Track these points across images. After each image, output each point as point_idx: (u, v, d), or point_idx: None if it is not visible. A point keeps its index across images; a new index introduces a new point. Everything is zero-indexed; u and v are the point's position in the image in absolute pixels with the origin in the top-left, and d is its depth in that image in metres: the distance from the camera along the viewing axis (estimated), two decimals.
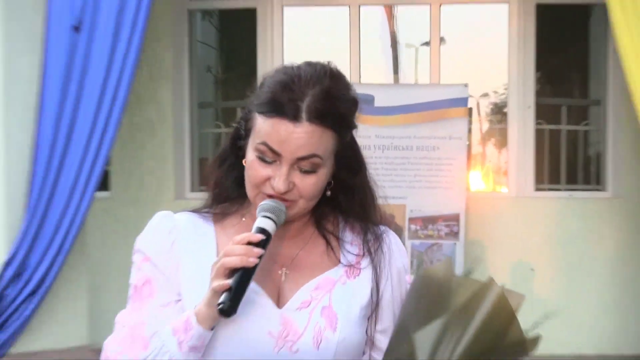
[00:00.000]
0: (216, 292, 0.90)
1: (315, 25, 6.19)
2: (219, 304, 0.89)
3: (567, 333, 4.70)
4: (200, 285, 0.96)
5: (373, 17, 5.87)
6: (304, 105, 0.94)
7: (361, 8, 5.42)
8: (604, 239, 5.02)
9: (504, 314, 0.96)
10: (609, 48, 4.63)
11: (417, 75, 6.06)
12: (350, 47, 5.38)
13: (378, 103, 4.82)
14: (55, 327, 4.23)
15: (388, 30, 6.15)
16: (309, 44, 6.17)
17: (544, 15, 5.15)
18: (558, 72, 6.22)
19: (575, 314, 4.88)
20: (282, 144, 0.94)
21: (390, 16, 6.12)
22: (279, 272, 1.05)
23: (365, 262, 1.06)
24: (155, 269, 1.02)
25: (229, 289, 0.89)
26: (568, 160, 5.67)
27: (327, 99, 0.96)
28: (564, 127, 5.47)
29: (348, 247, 1.08)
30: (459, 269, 4.86)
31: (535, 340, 0.97)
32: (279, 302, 1.02)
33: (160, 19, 4.88)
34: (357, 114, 1.05)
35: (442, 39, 5.44)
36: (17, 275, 4.14)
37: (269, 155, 0.96)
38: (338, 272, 1.05)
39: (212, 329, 0.95)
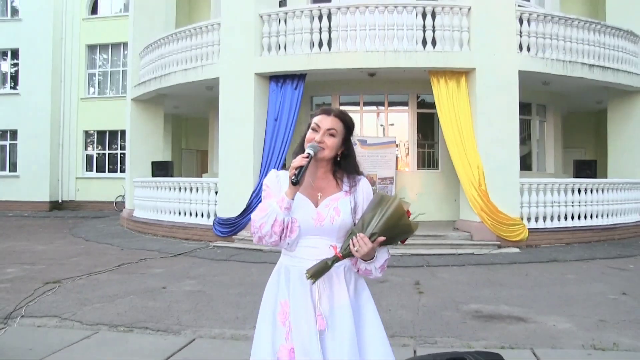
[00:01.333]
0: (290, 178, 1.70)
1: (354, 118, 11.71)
2: (292, 180, 1.67)
3: (428, 214, 10.27)
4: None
5: (371, 115, 11.88)
6: (332, 111, 1.81)
7: (364, 114, 11.86)
8: (438, 183, 11.33)
9: (400, 210, 1.57)
10: (440, 126, 10.43)
11: (384, 133, 11.93)
12: (361, 123, 11.74)
13: (369, 142, 11.17)
14: None
15: (376, 118, 11.95)
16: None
17: (420, 116, 11.61)
18: (426, 133, 11.58)
19: (429, 207, 11.06)
20: (322, 122, 1.79)
21: (377, 114, 11.90)
22: (317, 194, 1.83)
23: (352, 190, 1.84)
24: (271, 191, 1.83)
25: (295, 174, 1.66)
26: (427, 160, 11.71)
27: (343, 112, 1.81)
28: (426, 150, 11.68)
29: (345, 184, 1.87)
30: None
31: (416, 225, 1.62)
32: (317, 205, 1.81)
33: (303, 110, 10.88)
34: (354, 130, 1.86)
35: (391, 124, 11.79)
36: (257, 195, 9.65)
37: (316, 128, 1.78)
38: (341, 193, 1.85)
39: (292, 199, 1.71)
